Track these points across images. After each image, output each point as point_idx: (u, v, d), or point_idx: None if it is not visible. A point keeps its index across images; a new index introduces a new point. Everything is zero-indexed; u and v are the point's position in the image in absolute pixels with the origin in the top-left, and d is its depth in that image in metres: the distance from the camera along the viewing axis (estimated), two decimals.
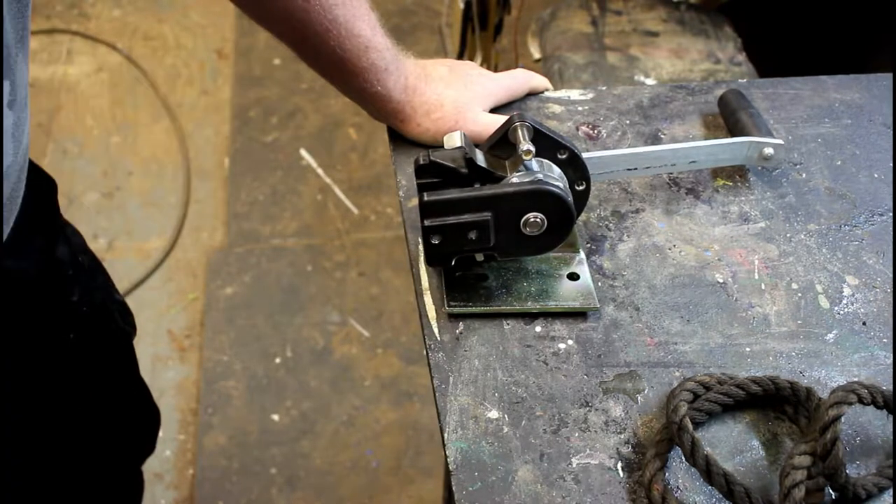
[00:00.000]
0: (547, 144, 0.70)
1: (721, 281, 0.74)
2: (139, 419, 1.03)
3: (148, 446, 1.06)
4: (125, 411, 0.97)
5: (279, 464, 1.69)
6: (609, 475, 0.61)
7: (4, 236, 0.67)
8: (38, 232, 0.75)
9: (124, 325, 0.93)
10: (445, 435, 0.63)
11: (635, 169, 0.78)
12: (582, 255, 0.74)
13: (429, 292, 0.72)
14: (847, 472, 0.58)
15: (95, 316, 0.86)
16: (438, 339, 0.69)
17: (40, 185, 0.77)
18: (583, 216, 0.78)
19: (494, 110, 0.86)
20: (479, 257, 0.70)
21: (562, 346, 0.69)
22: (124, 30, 2.65)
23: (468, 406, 0.64)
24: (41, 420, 0.82)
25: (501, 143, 0.70)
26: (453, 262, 0.69)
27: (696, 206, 0.80)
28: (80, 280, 0.83)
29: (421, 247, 0.73)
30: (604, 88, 0.93)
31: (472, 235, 0.67)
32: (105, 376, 0.91)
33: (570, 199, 0.68)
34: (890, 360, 0.69)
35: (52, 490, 0.89)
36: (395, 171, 0.83)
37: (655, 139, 0.87)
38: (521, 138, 0.68)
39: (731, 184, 0.83)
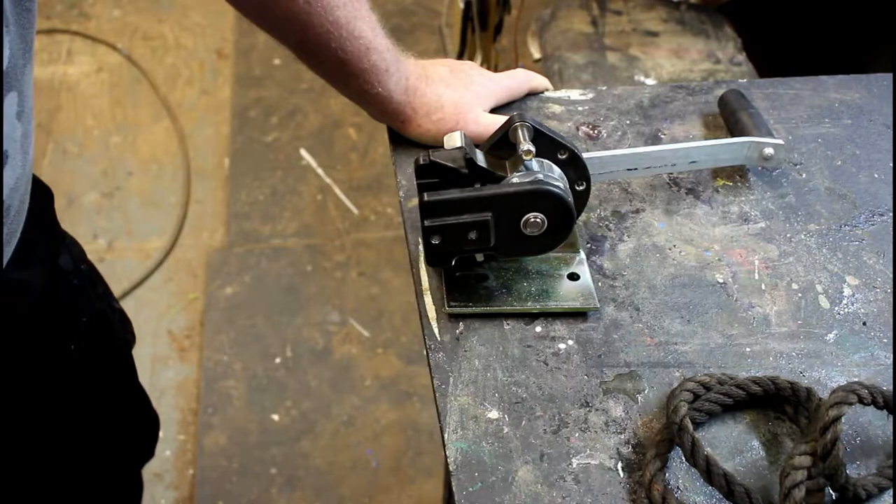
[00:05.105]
0: (547, 144, 0.70)
1: (721, 281, 0.74)
2: (138, 427, 1.03)
3: (146, 452, 1.06)
4: (124, 419, 0.97)
5: (279, 464, 1.69)
6: (609, 475, 0.61)
7: (12, 249, 0.66)
8: (40, 243, 0.75)
9: (124, 334, 0.92)
10: (445, 435, 0.63)
11: (635, 169, 0.78)
12: (582, 255, 0.74)
13: (429, 292, 0.72)
14: (847, 472, 0.58)
15: (96, 326, 0.85)
16: (438, 339, 0.69)
17: (40, 195, 0.76)
18: (583, 216, 0.78)
19: (495, 110, 0.86)
20: (480, 257, 0.70)
21: (562, 346, 0.69)
22: (124, 30, 2.65)
23: (468, 406, 0.64)
24: (40, 429, 0.82)
25: (502, 144, 0.70)
26: (453, 263, 0.69)
27: (697, 206, 0.80)
28: (82, 290, 0.83)
29: (421, 247, 0.73)
30: (604, 88, 0.93)
31: (473, 235, 0.67)
32: (104, 386, 0.90)
33: (571, 199, 0.68)
34: (890, 360, 0.69)
35: (50, 495, 0.89)
36: (395, 171, 0.83)
37: (655, 139, 0.87)
38: (522, 138, 0.68)
39: (731, 184, 0.83)
